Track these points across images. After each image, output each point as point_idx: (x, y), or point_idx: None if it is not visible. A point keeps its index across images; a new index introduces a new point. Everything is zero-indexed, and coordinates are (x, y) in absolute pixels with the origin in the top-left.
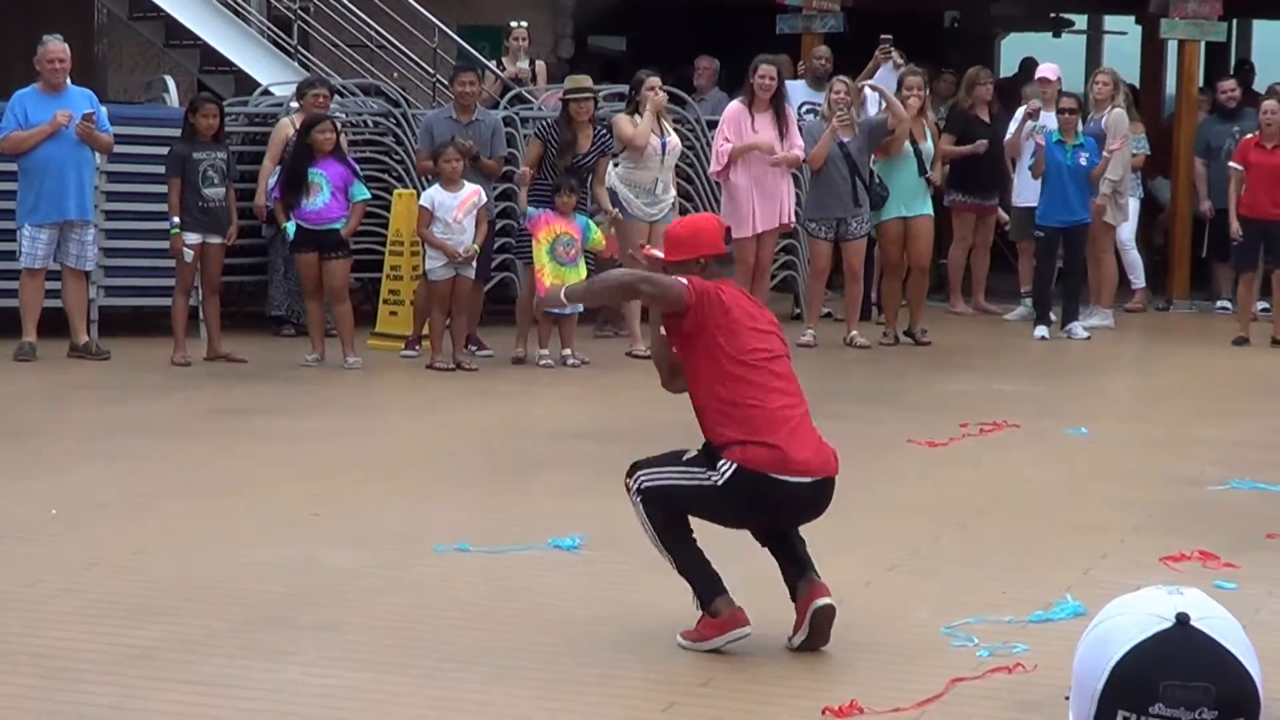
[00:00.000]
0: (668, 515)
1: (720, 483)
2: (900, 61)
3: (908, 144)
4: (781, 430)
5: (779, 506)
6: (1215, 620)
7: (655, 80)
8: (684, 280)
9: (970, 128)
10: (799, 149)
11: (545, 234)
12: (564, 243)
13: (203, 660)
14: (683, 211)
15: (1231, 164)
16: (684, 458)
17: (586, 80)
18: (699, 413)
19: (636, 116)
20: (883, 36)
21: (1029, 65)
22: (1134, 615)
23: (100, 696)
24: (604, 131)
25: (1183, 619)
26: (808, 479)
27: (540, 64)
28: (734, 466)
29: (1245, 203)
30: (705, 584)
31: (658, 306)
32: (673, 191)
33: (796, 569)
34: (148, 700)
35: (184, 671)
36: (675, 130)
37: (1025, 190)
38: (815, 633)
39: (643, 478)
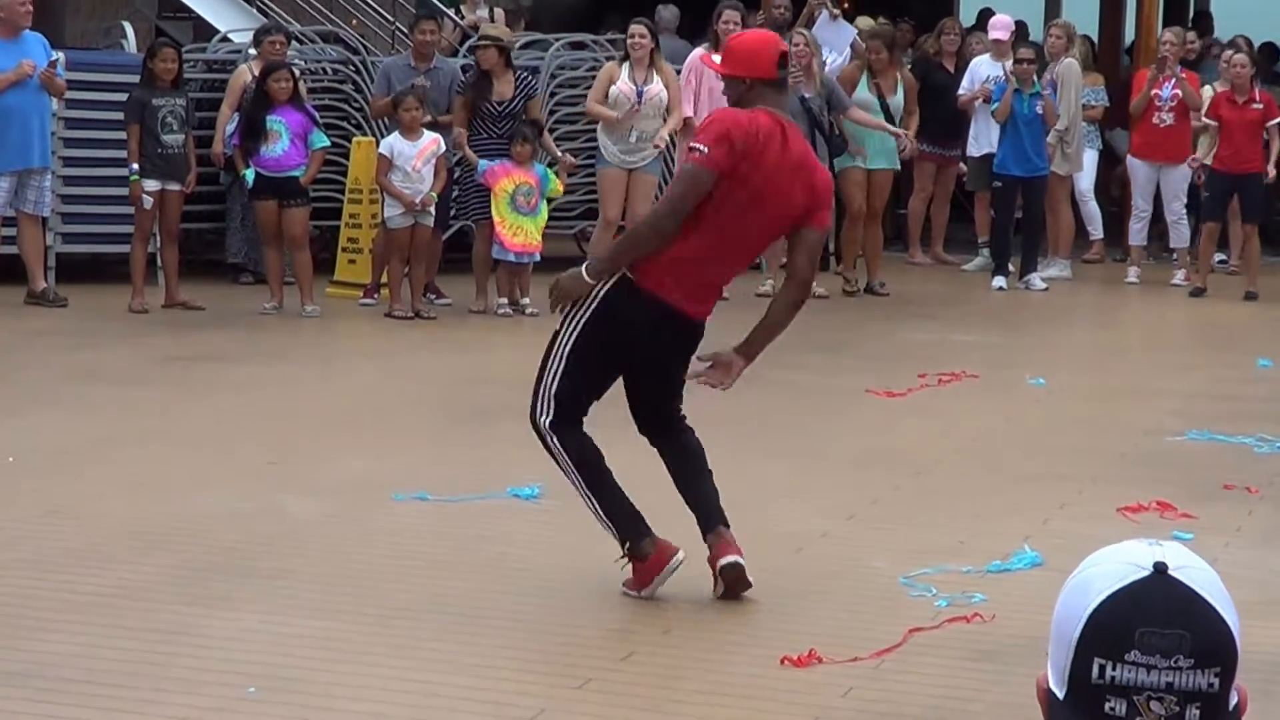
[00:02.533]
0: (579, 440)
1: (593, 306)
2: (835, 12)
3: (874, 98)
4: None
5: (639, 332)
6: (1193, 570)
7: (639, 29)
8: (702, 155)
9: (933, 75)
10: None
11: (503, 185)
12: (524, 192)
13: (160, 608)
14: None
15: (1204, 118)
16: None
17: (493, 29)
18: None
19: (625, 67)
20: None
21: (985, 16)
22: (1112, 564)
23: (56, 644)
24: (526, 75)
25: (1160, 568)
26: (670, 305)
27: (499, 12)
28: (611, 280)
29: (1218, 156)
30: (627, 526)
31: (697, 200)
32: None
33: (706, 518)
34: (104, 648)
35: (141, 619)
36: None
37: (981, 139)
38: (729, 587)
39: (542, 403)
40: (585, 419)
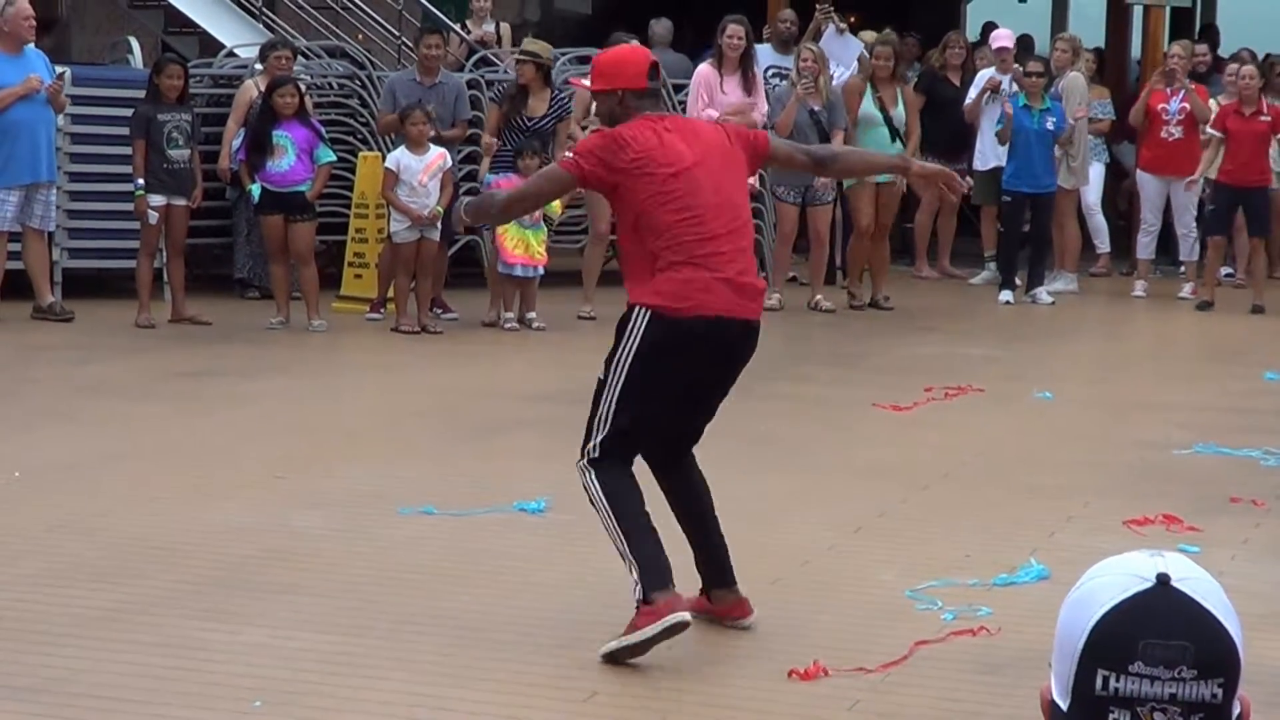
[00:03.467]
0: (621, 481)
1: (634, 349)
2: (843, 26)
3: (877, 112)
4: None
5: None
6: (1196, 581)
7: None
8: (568, 159)
9: (939, 88)
10: (759, 112)
11: None
12: None
13: (166, 623)
14: None
15: (1210, 130)
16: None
17: (537, 45)
18: (630, 262)
19: None
20: None
21: (989, 30)
22: (1115, 576)
23: (63, 659)
24: (562, 96)
25: (1163, 579)
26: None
27: (505, 26)
28: (649, 312)
29: (1223, 169)
30: (654, 574)
31: (552, 198)
32: None
33: (720, 574)
34: (111, 663)
35: (147, 634)
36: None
37: (987, 153)
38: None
39: (588, 450)
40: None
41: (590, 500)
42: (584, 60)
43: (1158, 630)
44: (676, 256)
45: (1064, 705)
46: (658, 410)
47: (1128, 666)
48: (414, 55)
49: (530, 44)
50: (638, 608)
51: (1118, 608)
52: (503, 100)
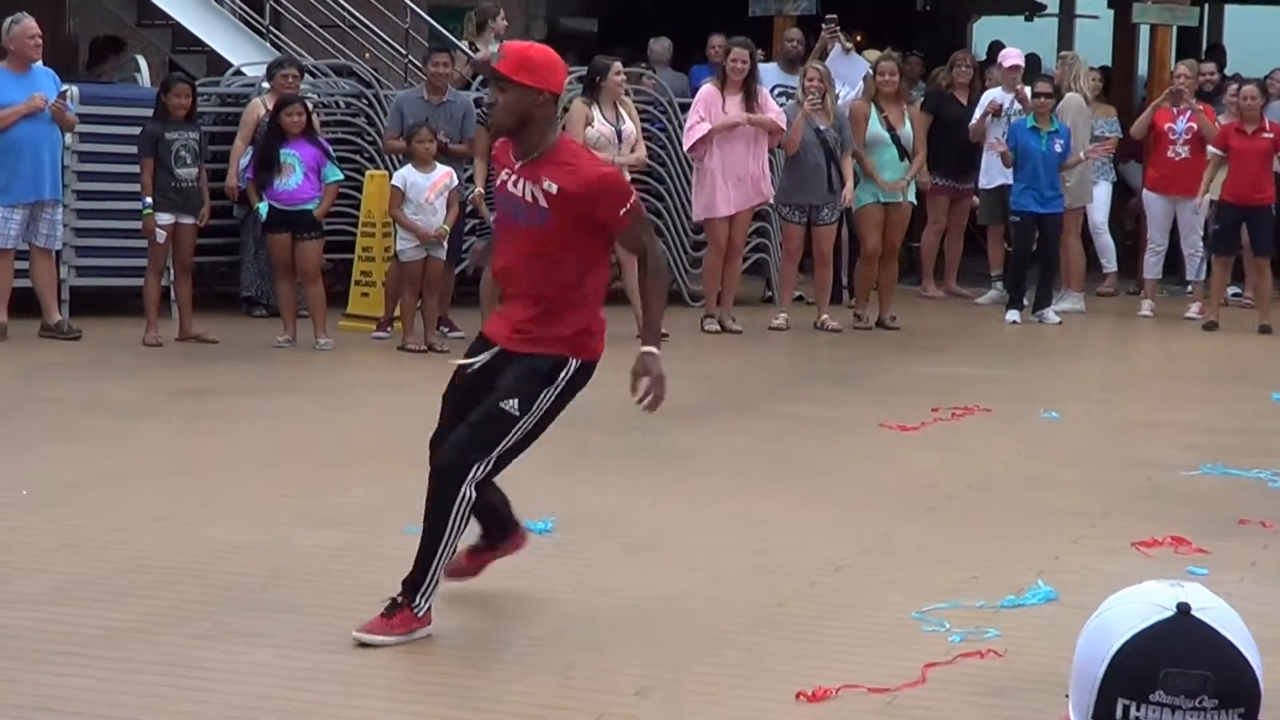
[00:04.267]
0: (480, 500)
1: (559, 391)
2: (849, 45)
3: (885, 131)
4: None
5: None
6: (1216, 611)
7: (617, 65)
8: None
9: (946, 107)
10: (775, 114)
11: None
12: None
13: (172, 642)
14: (655, 196)
15: (1211, 148)
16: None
17: None
18: (569, 305)
19: (596, 107)
20: (827, 17)
21: (995, 49)
22: (1135, 605)
23: (69, 678)
24: None
25: (1183, 609)
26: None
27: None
28: (579, 363)
29: (1226, 188)
30: (435, 587)
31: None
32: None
33: (507, 522)
34: (114, 682)
35: (153, 653)
36: (643, 108)
37: (993, 173)
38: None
39: (484, 463)
40: None
41: (446, 504)
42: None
43: (1179, 659)
44: (597, 300)
45: None
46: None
47: (1149, 695)
48: (421, 74)
49: None
50: (412, 613)
51: (1138, 636)
52: (489, 122)
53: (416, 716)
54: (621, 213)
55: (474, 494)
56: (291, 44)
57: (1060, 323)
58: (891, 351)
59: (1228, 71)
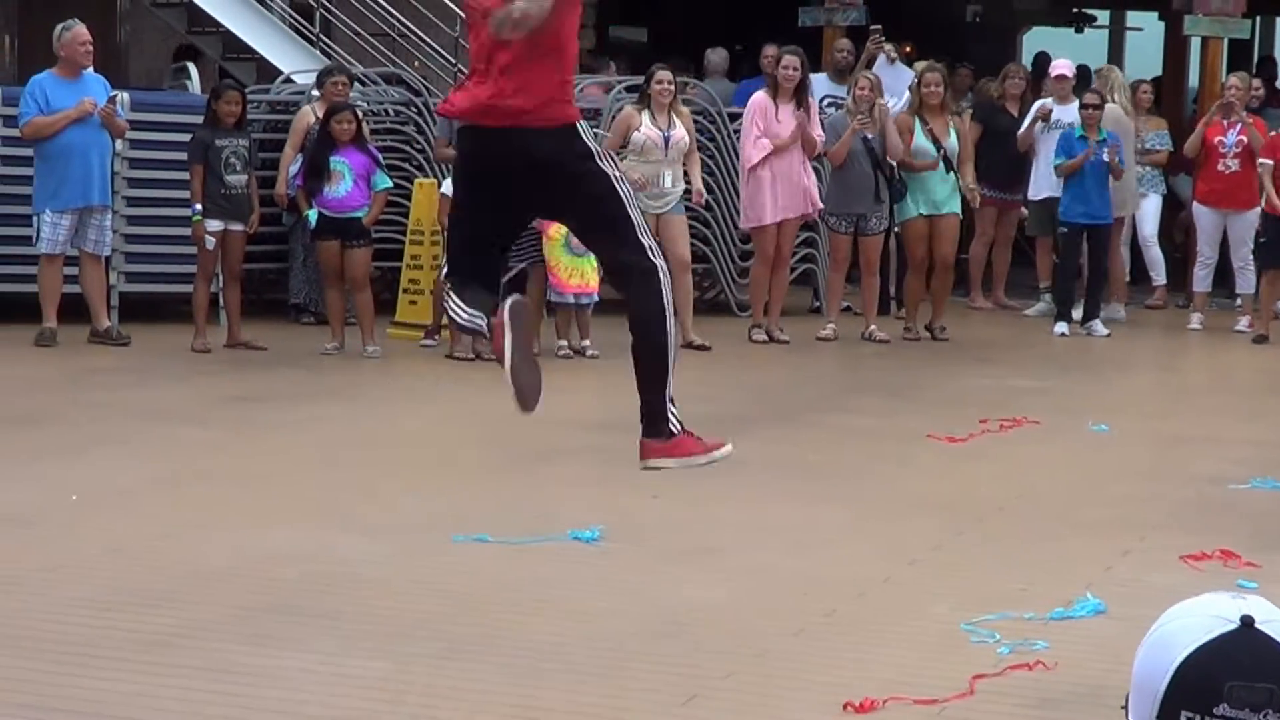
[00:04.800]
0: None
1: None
2: (894, 55)
3: (929, 144)
4: None
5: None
6: (1278, 624)
7: (665, 74)
8: None
9: (996, 119)
10: (820, 137)
11: (556, 229)
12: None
13: (217, 648)
14: (704, 206)
15: (1262, 160)
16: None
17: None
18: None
19: (646, 113)
20: (872, 27)
21: (1042, 60)
22: (1197, 618)
23: (114, 683)
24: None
25: (1247, 621)
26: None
27: None
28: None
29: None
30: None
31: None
32: (681, 185)
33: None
34: (159, 687)
35: (198, 659)
36: (695, 118)
37: (1041, 184)
38: None
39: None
40: None
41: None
42: (636, 89)
43: (1243, 672)
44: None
45: None
46: None
47: (1213, 709)
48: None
49: None
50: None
51: (1202, 649)
52: None
53: None
54: None
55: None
56: (341, 52)
57: (1109, 335)
58: (939, 363)
59: None
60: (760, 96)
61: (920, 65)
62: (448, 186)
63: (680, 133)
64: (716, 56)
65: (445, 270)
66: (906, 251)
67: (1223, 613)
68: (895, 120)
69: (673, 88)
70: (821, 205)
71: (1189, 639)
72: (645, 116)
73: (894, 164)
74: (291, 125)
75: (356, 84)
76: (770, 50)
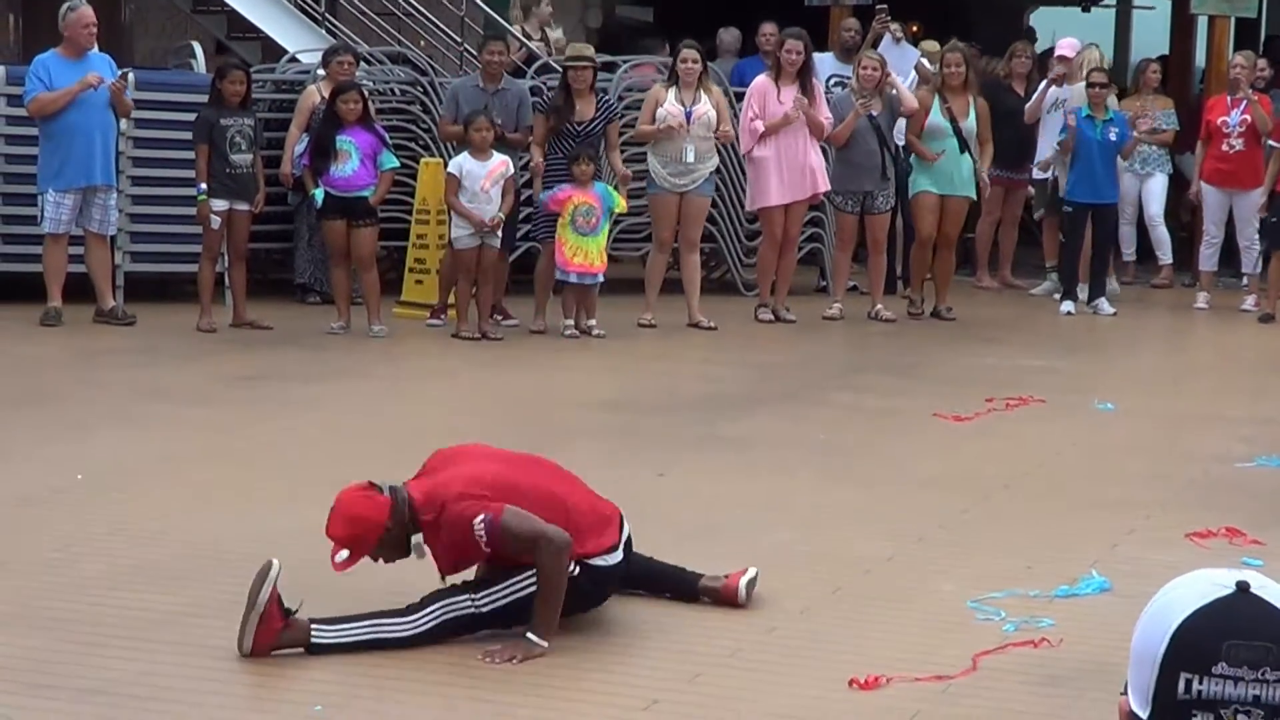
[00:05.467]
0: None
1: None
2: (900, 35)
3: (946, 123)
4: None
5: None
6: (1274, 589)
7: (691, 53)
8: (486, 526)
9: (1003, 98)
10: (827, 119)
11: (566, 208)
12: (583, 212)
13: (227, 627)
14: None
15: (1270, 142)
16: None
17: (587, 49)
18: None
19: (673, 90)
20: (878, 5)
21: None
22: (1193, 586)
23: (125, 662)
24: (608, 99)
25: (1243, 586)
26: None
27: (559, 33)
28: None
29: None
30: None
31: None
32: (711, 162)
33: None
34: (170, 666)
35: (208, 638)
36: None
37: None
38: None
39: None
40: None
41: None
42: (608, 67)
43: (1241, 632)
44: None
45: (1144, 715)
46: None
47: (1211, 668)
48: (476, 62)
49: (580, 48)
50: None
51: (1199, 612)
52: (549, 110)
53: (474, 702)
54: (480, 535)
55: None
56: (347, 31)
57: (1115, 314)
58: (945, 342)
59: None
60: (762, 80)
61: (933, 45)
62: (454, 165)
63: (704, 108)
64: (729, 36)
65: None
66: (915, 223)
67: (1219, 580)
68: (916, 96)
69: (698, 65)
70: (826, 187)
71: (1185, 605)
72: (671, 93)
73: (899, 143)
74: (297, 105)
75: (362, 63)
76: (768, 29)
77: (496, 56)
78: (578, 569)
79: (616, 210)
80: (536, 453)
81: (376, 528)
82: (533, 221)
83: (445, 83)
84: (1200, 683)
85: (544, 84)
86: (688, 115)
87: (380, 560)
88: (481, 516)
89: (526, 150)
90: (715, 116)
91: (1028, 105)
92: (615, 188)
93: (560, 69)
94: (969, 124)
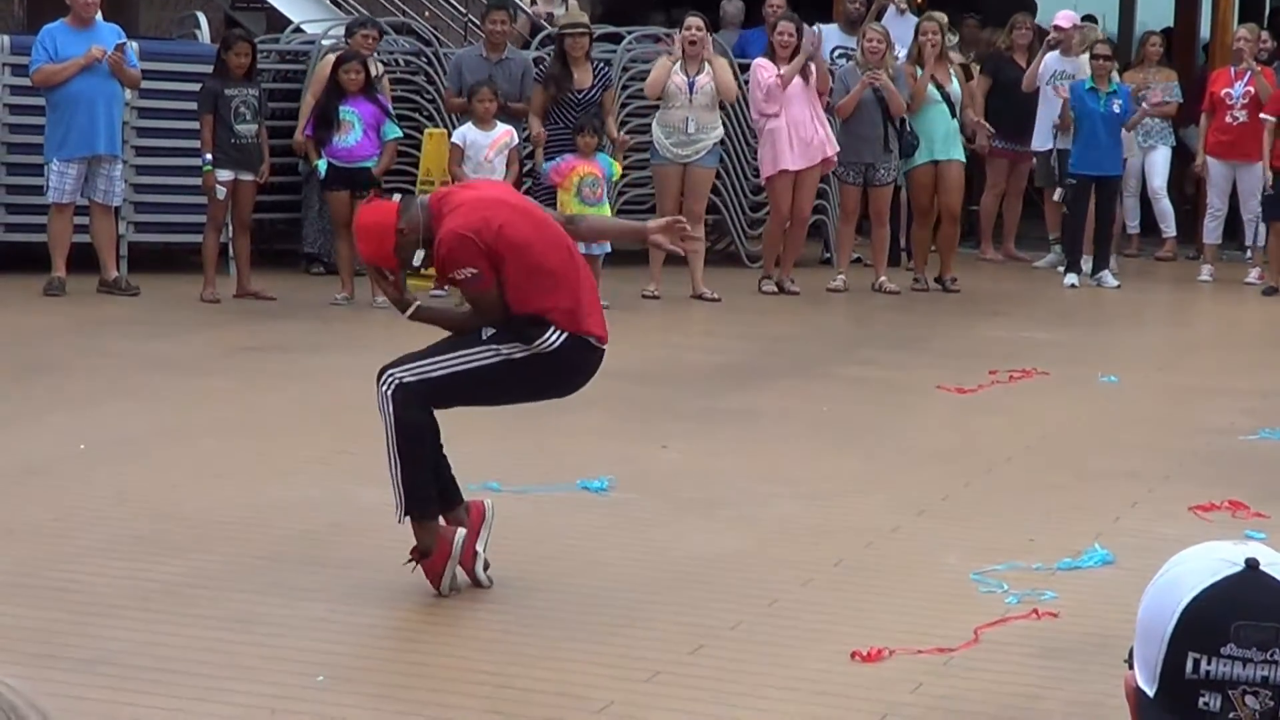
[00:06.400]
0: (422, 419)
1: (544, 350)
2: (904, 6)
3: (934, 89)
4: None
5: (582, 374)
6: None
7: (695, 21)
8: (470, 271)
9: (1005, 70)
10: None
11: (570, 179)
12: (589, 184)
13: (230, 597)
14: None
15: (1264, 115)
16: (468, 343)
17: (582, 16)
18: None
19: (681, 62)
20: None
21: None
22: (1201, 562)
23: (127, 632)
24: (604, 67)
25: (1252, 564)
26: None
27: (572, 1)
28: (563, 334)
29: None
30: (416, 502)
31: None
32: (715, 133)
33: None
34: (174, 636)
35: (211, 608)
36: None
37: (1046, 135)
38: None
39: (400, 375)
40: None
41: (382, 415)
42: (648, 38)
43: (1250, 612)
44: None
45: (1150, 691)
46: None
47: (1219, 649)
48: (480, 32)
49: (575, 16)
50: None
51: (1208, 591)
52: (547, 80)
53: (475, 672)
54: (452, 275)
55: (395, 409)
56: (352, 2)
57: (1119, 286)
58: (949, 314)
59: None
60: (763, 61)
61: (942, 17)
62: (458, 135)
63: (705, 79)
64: (732, 8)
65: (406, 383)
66: (912, 200)
67: (1226, 556)
68: (904, 67)
69: (701, 33)
70: (836, 153)
71: (1194, 582)
72: (678, 65)
73: (905, 117)
74: (315, 73)
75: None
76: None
77: (500, 25)
78: (566, 338)
79: (614, 178)
80: (541, 422)
81: (389, 230)
82: (532, 192)
83: (449, 53)
84: (1209, 663)
85: (548, 55)
86: (691, 86)
87: (412, 264)
88: (471, 272)
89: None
90: (715, 87)
91: (1025, 74)
92: (613, 155)
93: (556, 38)
94: (954, 89)
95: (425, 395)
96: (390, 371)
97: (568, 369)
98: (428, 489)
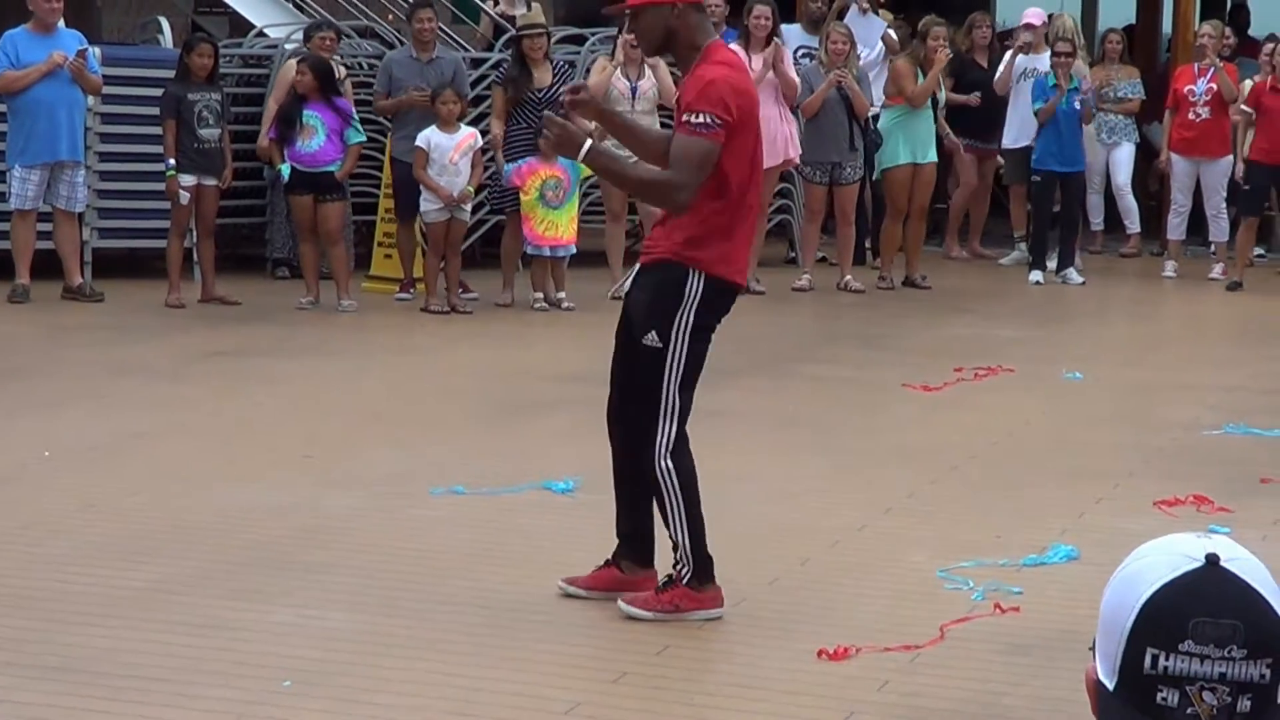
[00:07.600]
0: (690, 463)
1: (688, 327)
2: (866, 6)
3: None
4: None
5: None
6: (1243, 562)
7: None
8: (716, 118)
9: (967, 72)
10: (797, 83)
11: (531, 183)
12: (551, 186)
13: (197, 602)
14: None
15: (1242, 107)
16: (653, 359)
17: (538, 17)
18: (682, 222)
19: (621, 66)
20: None
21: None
22: (1163, 556)
23: (94, 639)
24: (564, 66)
25: (1212, 559)
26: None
27: (536, 7)
28: (704, 276)
29: (1257, 147)
30: (703, 565)
31: (677, 178)
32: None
33: (639, 543)
34: (142, 643)
35: (178, 613)
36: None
37: (1015, 132)
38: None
39: (657, 444)
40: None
41: (658, 489)
42: (611, 40)
43: (1208, 609)
44: (721, 223)
45: (1110, 685)
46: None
47: (1178, 645)
48: (449, 36)
49: (531, 17)
50: (685, 589)
51: (1167, 586)
52: (506, 82)
53: (443, 675)
54: (685, 118)
55: (670, 464)
56: (315, 5)
57: (1084, 283)
58: (914, 312)
59: (1258, 33)
60: (735, 49)
61: (890, 16)
62: (422, 139)
63: (648, 84)
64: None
65: (668, 431)
66: (888, 199)
67: (1188, 551)
68: (896, 68)
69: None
70: (798, 155)
71: (1154, 576)
72: (619, 69)
73: (870, 118)
74: (278, 77)
75: None
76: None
77: (426, 24)
78: (702, 280)
79: (581, 176)
80: (505, 425)
81: None
82: (495, 194)
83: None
84: (1167, 659)
85: (510, 57)
86: (633, 90)
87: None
88: (705, 116)
89: (472, 123)
90: (657, 92)
91: (997, 76)
92: None
93: (514, 40)
94: (941, 94)
95: (678, 433)
96: (649, 453)
97: (710, 312)
98: (706, 550)
